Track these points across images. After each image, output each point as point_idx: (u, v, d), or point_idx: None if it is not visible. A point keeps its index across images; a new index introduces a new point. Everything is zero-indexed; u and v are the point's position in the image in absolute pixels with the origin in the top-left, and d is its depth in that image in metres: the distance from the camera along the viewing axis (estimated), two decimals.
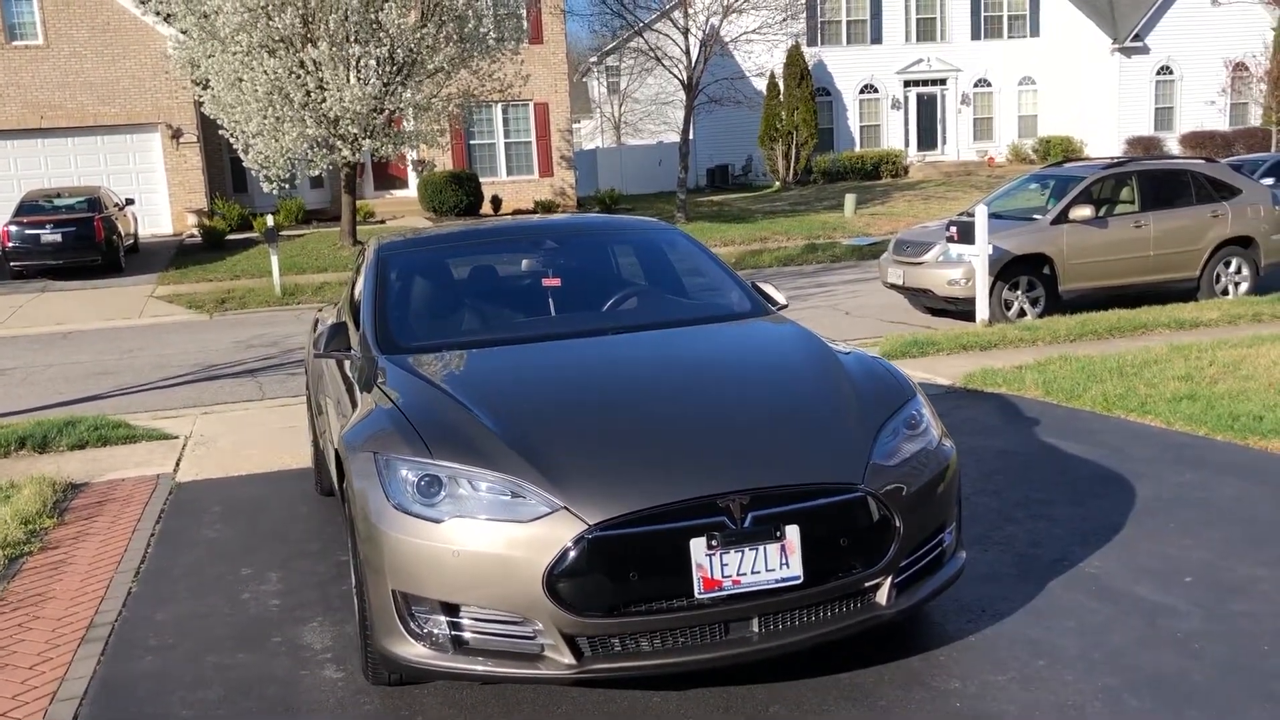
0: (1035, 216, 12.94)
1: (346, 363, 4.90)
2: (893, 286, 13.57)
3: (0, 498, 6.85)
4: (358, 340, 4.86)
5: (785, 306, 5.46)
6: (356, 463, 3.80)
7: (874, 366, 4.37)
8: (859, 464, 3.66)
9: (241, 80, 19.62)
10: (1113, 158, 15.61)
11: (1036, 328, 11.06)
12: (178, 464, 7.91)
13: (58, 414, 9.72)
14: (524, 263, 5.43)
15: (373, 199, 29.21)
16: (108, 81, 25.90)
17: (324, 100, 19.75)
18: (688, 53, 26.49)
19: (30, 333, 16.50)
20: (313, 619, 4.75)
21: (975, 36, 36.83)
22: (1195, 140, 34.32)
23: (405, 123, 22.16)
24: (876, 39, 36.11)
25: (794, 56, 33.88)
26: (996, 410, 7.91)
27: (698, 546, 3.38)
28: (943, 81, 37.08)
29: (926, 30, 36.51)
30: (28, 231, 20.46)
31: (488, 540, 3.43)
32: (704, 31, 26.43)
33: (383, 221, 26.92)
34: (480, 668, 3.49)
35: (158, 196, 26.79)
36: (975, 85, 37.29)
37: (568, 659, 3.41)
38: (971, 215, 12.23)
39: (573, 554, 3.35)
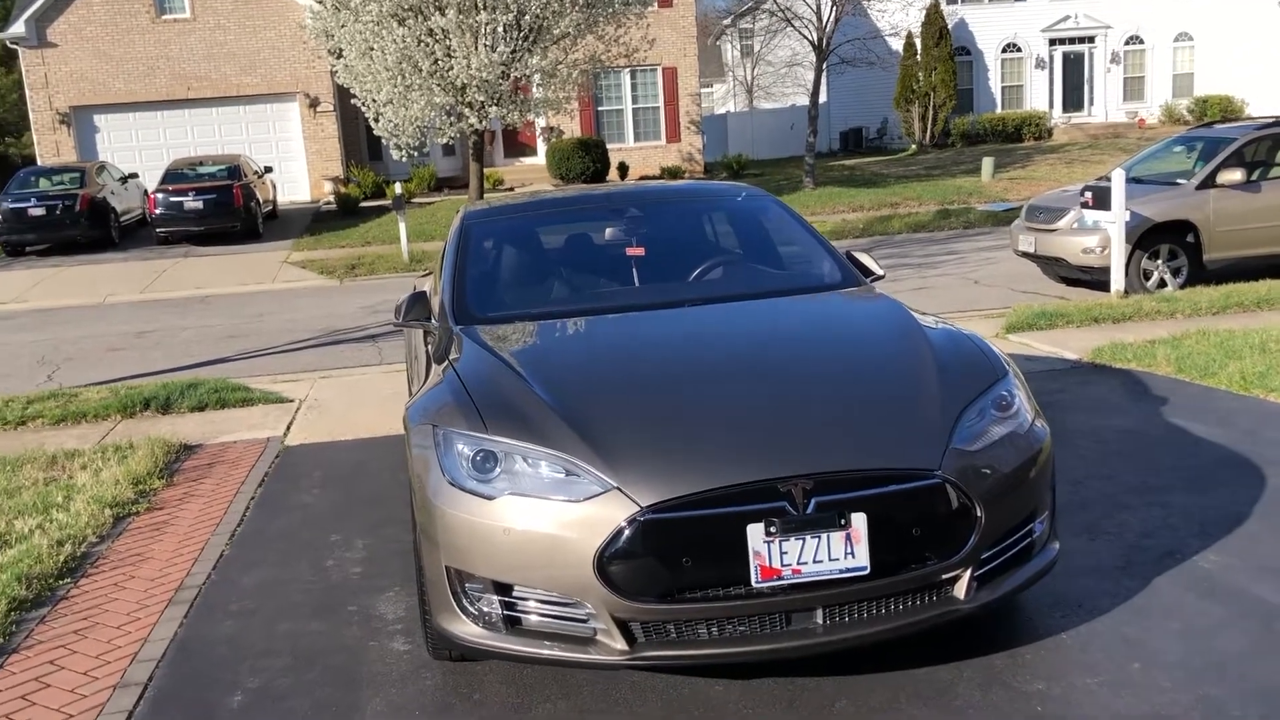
0: (1179, 181, 12.16)
1: (426, 333, 4.86)
2: (1024, 254, 12.97)
3: (117, 458, 7.08)
4: (437, 309, 4.80)
5: (881, 277, 5.19)
6: (416, 435, 3.74)
7: (963, 343, 4.09)
8: (936, 448, 3.42)
9: (372, 49, 19.92)
10: (1270, 117, 14.56)
11: (1176, 299, 10.42)
12: (288, 428, 8.07)
13: (184, 376, 10.05)
14: (607, 231, 5.29)
15: (502, 166, 29.48)
16: (249, 52, 26.71)
17: (451, 68, 19.90)
18: (818, 13, 25.83)
19: (171, 296, 17.17)
20: (390, 588, 4.74)
21: None
22: None
23: (533, 90, 22.21)
24: None
25: (932, 15, 32.77)
26: (1122, 387, 7.46)
27: (755, 533, 3.21)
28: (1090, 39, 35.35)
29: None
30: (172, 199, 21.28)
31: (539, 519, 3.32)
32: None
33: (511, 189, 27.13)
34: (532, 650, 3.39)
35: (295, 164, 27.58)
36: (1126, 43, 35.43)
37: (620, 644, 3.29)
38: (1109, 180, 11.57)
39: (625, 536, 3.22)
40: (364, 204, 25.19)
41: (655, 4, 27.58)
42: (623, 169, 28.50)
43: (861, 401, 3.66)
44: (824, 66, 26.21)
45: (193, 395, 9.02)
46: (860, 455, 3.38)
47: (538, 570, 3.32)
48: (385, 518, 5.73)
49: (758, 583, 3.22)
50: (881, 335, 4.18)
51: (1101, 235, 11.57)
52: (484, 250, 5.09)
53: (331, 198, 25.97)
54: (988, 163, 26.12)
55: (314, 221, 23.97)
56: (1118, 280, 11.30)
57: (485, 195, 23.01)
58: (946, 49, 33.07)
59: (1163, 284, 11.74)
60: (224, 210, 21.33)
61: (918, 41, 33.30)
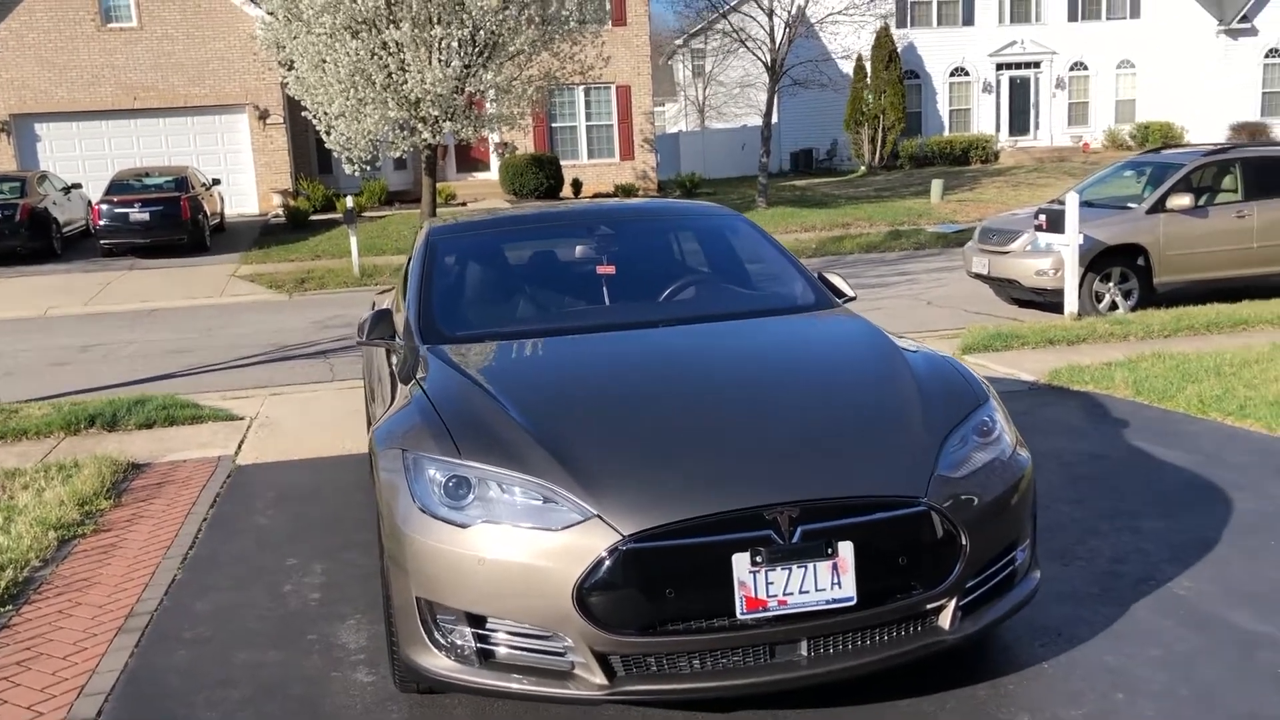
0: (1130, 205, 12.34)
1: (390, 352, 4.72)
2: (977, 276, 13.06)
3: (61, 477, 6.84)
4: (402, 327, 4.67)
5: (853, 299, 5.15)
6: (385, 459, 3.61)
7: (943, 367, 4.04)
8: (922, 475, 3.36)
9: (325, 61, 19.69)
10: (1215, 144, 14.84)
11: (1128, 322, 10.53)
12: (240, 446, 7.86)
13: (131, 392, 9.78)
14: (577, 249, 5.20)
15: (455, 181, 29.29)
16: (198, 63, 26.30)
17: (405, 82, 19.74)
18: (771, 34, 25.99)
19: (116, 310, 16.78)
20: (351, 615, 4.59)
21: (1072, 18, 35.61)
22: None
23: (487, 105, 22.08)
24: (968, 20, 35.11)
25: (882, 38, 33.14)
26: (1083, 410, 7.49)
27: (740, 562, 3.12)
28: (1037, 64, 35.94)
29: (1021, 11, 35.41)
30: (117, 210, 20.84)
31: (515, 548, 3.20)
32: (789, 13, 25.90)
33: (464, 204, 26.95)
34: (507, 684, 3.27)
35: (244, 177, 27.17)
36: (1071, 68, 36.06)
37: (599, 679, 3.18)
38: (1062, 203, 11.69)
39: (605, 566, 3.11)
40: (314, 217, 24.87)
41: (610, 22, 27.63)
42: (576, 185, 28.42)
43: (846, 427, 3.59)
44: (776, 88, 26.34)
45: (140, 412, 8.77)
46: (847, 482, 3.31)
47: (513, 601, 3.20)
48: (343, 541, 5.57)
49: (743, 614, 3.13)
50: (862, 358, 4.12)
51: (1055, 258, 11.69)
52: (450, 267, 4.97)
53: (280, 210, 25.61)
54: (937, 185, 26.39)
55: (263, 234, 23.61)
56: (1071, 302, 11.40)
57: (438, 210, 22.79)
58: (896, 72, 33.44)
59: (1114, 306, 11.87)
60: (170, 222, 20.92)
61: (868, 65, 33.64)
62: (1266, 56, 34.24)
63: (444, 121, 20.50)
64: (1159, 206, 11.96)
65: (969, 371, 4.04)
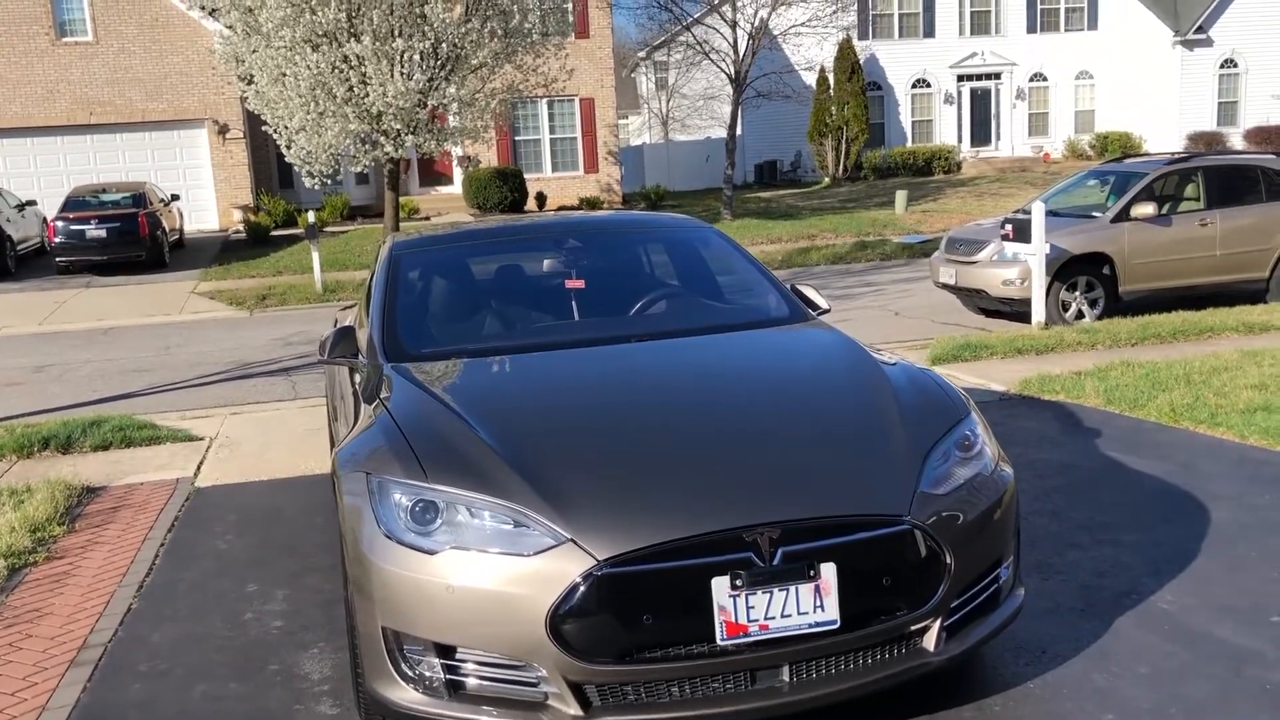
0: (1095, 214, 12.38)
1: (354, 370, 4.58)
2: (944, 286, 13.06)
3: (12, 503, 6.62)
4: (365, 344, 4.53)
5: (827, 311, 5.06)
6: (348, 482, 3.47)
7: (923, 380, 3.95)
8: (905, 493, 3.26)
9: (284, 75, 19.47)
10: (1176, 153, 14.97)
11: (1095, 331, 10.54)
12: (199, 468, 7.67)
13: (87, 413, 9.54)
14: (546, 263, 5.07)
15: (418, 195, 29.07)
16: (155, 78, 25.95)
17: (367, 95, 19.55)
18: (735, 46, 26.02)
19: (72, 328, 16.45)
20: (314, 644, 4.43)
21: (1031, 29, 35.93)
22: (1261, 135, 33.23)
23: (450, 118, 21.92)
24: (929, 32, 35.36)
25: (844, 50, 33.28)
26: (1055, 420, 7.45)
27: (720, 586, 3.00)
28: (997, 76, 36.24)
29: (981, 23, 35.69)
30: (73, 227, 20.48)
31: (486, 575, 3.07)
32: (752, 25, 25.94)
33: (427, 218, 26.74)
34: (477, 717, 3.12)
35: (204, 192, 26.82)
36: (1031, 79, 36.38)
37: (574, 709, 3.04)
38: (1028, 212, 11.71)
39: (579, 593, 2.98)
40: (275, 233, 24.58)
41: (573, 35, 27.56)
42: (540, 199, 28.30)
43: (826, 444, 3.48)
44: (740, 99, 26.36)
45: (96, 433, 8.54)
46: (828, 501, 3.20)
47: (484, 630, 3.06)
48: (305, 566, 5.40)
49: (723, 640, 3.02)
50: (840, 372, 4.02)
51: (1021, 267, 11.70)
52: (415, 283, 4.83)
53: (241, 226, 25.30)
54: (901, 196, 26.49)
55: (223, 250, 23.29)
56: (1039, 311, 11.41)
57: (401, 225, 22.58)
58: (859, 84, 33.59)
59: (1080, 315, 11.90)
60: (128, 239, 20.58)
61: (830, 76, 33.77)
62: (1221, 67, 34.71)
63: (406, 135, 20.32)
64: (1123, 215, 12.02)
65: (949, 384, 3.96)
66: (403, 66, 20.01)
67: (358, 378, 4.45)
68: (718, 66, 27.10)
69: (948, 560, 3.23)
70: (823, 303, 5.08)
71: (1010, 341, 10.27)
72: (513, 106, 25.56)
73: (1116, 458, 6.37)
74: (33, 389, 11.73)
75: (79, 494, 6.97)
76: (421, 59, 20.21)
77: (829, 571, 3.06)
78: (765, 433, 3.52)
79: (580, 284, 4.89)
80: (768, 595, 3.02)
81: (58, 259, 20.80)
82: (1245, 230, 12.22)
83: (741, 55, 26.04)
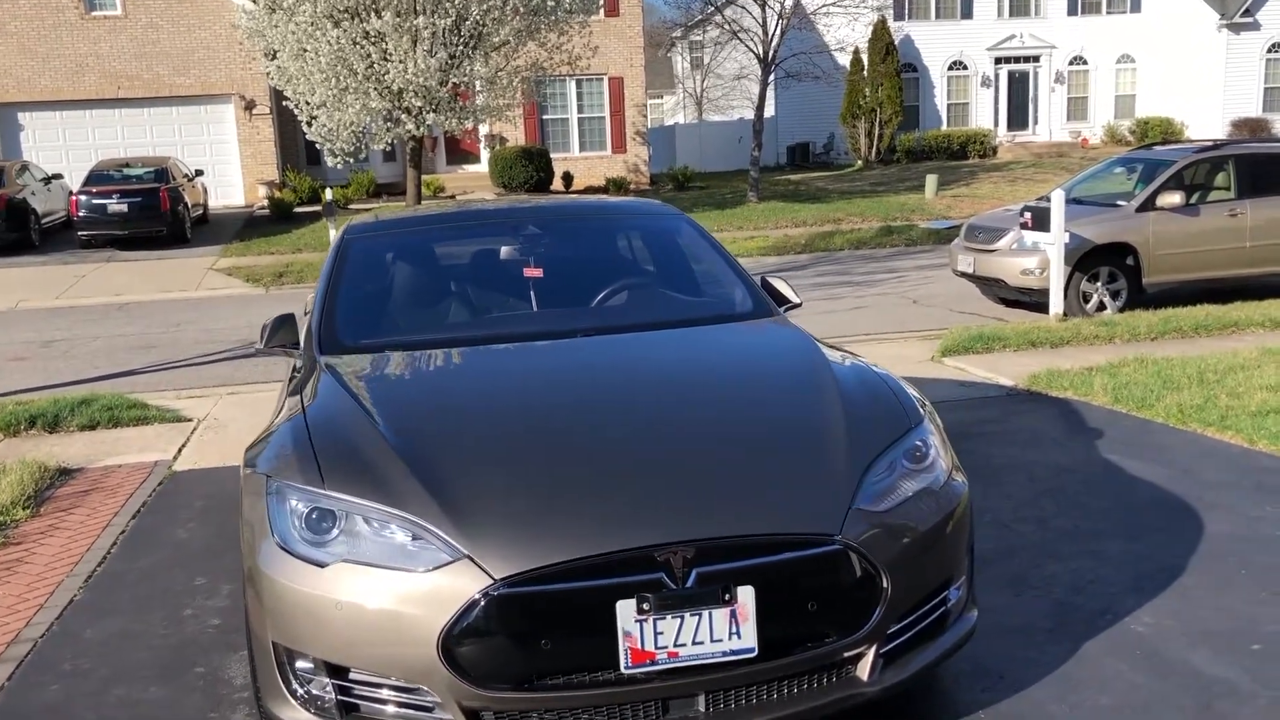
0: (1119, 203, 11.97)
1: (295, 361, 4.38)
2: (963, 274, 12.71)
3: None
4: (304, 334, 4.33)
5: (797, 305, 4.81)
6: (250, 484, 3.28)
7: (875, 385, 3.68)
8: (838, 509, 3.01)
9: (305, 51, 19.36)
10: (1209, 140, 14.48)
11: (1114, 324, 10.18)
12: (180, 450, 7.55)
13: (82, 391, 9.47)
14: (502, 251, 4.84)
15: (444, 174, 28.93)
16: (183, 52, 25.94)
17: (388, 72, 19.39)
18: (764, 26, 25.59)
19: (87, 303, 16.46)
20: (245, 646, 4.25)
21: (1072, 12, 35.13)
22: None
23: (474, 96, 21.72)
24: (967, 13, 34.64)
25: (879, 31, 32.70)
26: (1058, 418, 7.15)
27: (625, 610, 2.78)
28: (1036, 59, 35.48)
29: (1020, 5, 34.92)
30: (95, 201, 20.50)
31: (376, 591, 2.86)
32: (781, 3, 25.49)
33: (452, 196, 26.58)
34: None
35: (230, 168, 26.83)
36: (1070, 63, 35.59)
37: None
38: (1049, 200, 11.34)
39: (474, 613, 2.77)
40: (299, 209, 24.53)
41: (601, 13, 27.26)
42: (567, 179, 28.06)
43: (756, 455, 3.23)
44: (769, 80, 25.96)
45: (84, 412, 8.45)
46: (750, 518, 2.96)
47: (375, 650, 2.86)
48: None
49: (628, 668, 2.80)
50: (785, 376, 3.76)
51: (1041, 257, 11.35)
52: (363, 269, 4.61)
53: (266, 203, 25.28)
54: (931, 180, 26.01)
55: (246, 227, 23.27)
56: (1056, 303, 11.07)
57: (424, 203, 22.46)
58: (893, 65, 33.01)
59: (1102, 307, 11.52)
60: (149, 214, 20.58)
61: (864, 57, 33.21)
62: (1269, 51, 33.78)
63: (427, 112, 20.15)
64: (1149, 204, 11.61)
65: (904, 389, 3.68)
66: (424, 43, 19.84)
67: (295, 370, 4.25)
68: (746, 46, 26.67)
69: (884, 584, 2.99)
70: (794, 297, 4.83)
71: (1025, 334, 9.95)
72: (539, 85, 25.33)
73: (1115, 461, 6.08)
74: (37, 364, 11.69)
75: (52, 476, 6.86)
76: (444, 35, 20.02)
77: (746, 595, 2.83)
78: (693, 442, 3.28)
79: (538, 273, 4.66)
80: (678, 620, 2.80)
81: (80, 233, 20.86)
82: (1277, 221, 11.77)
83: (770, 34, 25.61)
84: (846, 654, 3.00)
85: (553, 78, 25.54)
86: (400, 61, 19.16)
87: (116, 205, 20.49)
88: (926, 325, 11.51)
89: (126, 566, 5.28)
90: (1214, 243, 11.67)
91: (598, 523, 2.88)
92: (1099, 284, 11.56)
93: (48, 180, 22.66)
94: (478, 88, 21.04)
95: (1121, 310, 11.35)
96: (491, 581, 2.77)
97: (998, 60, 35.33)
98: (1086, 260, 11.44)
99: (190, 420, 8.44)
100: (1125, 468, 5.94)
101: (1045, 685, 3.57)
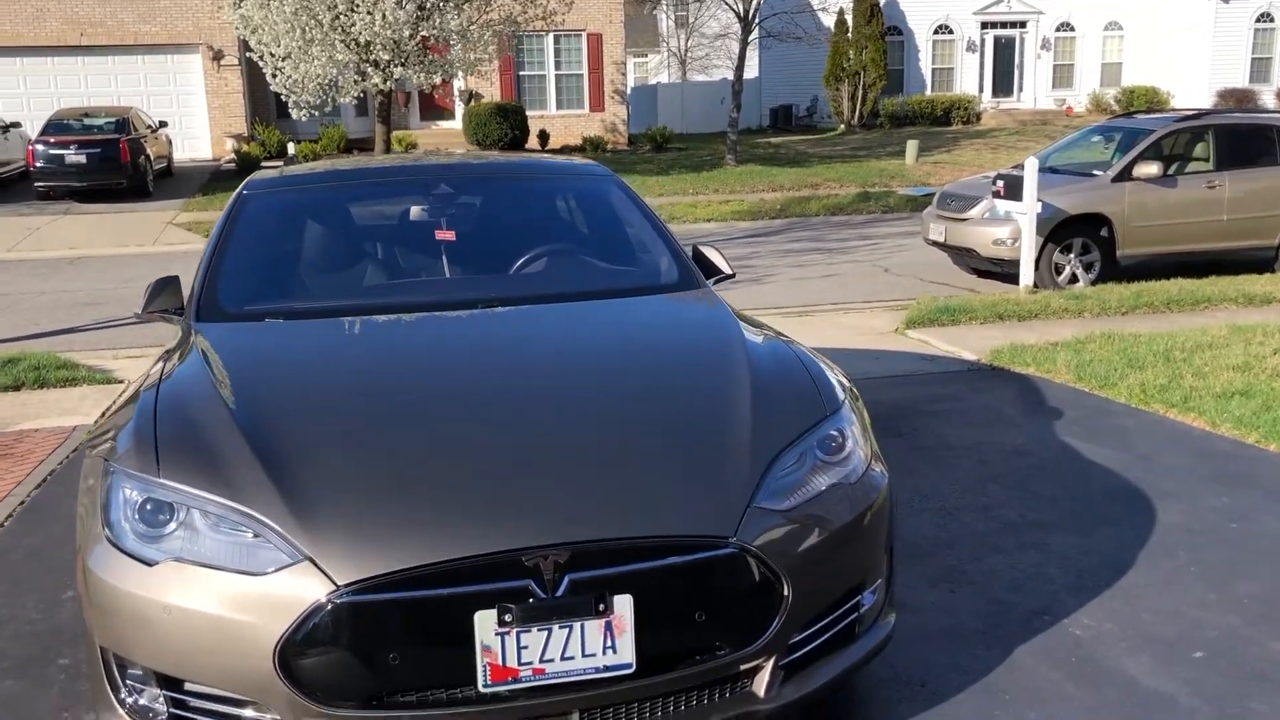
0: (1095, 173, 11.65)
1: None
2: (934, 244, 12.39)
3: None
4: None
5: (729, 277, 4.49)
6: (86, 467, 2.95)
7: (792, 368, 3.34)
8: (734, 508, 2.70)
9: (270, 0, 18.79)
10: (1189, 109, 14.15)
11: (1084, 297, 9.91)
12: (103, 414, 7.19)
13: (13, 349, 9.10)
14: (412, 212, 4.47)
15: (418, 130, 28.35)
16: None
17: (354, 24, 18.85)
18: None
19: (38, 257, 15.99)
20: None
21: None
22: None
23: (450, 50, 21.17)
24: None
25: None
26: (1017, 396, 6.87)
27: (484, 622, 2.47)
28: (1022, 24, 34.97)
29: None
30: (52, 151, 19.93)
31: (208, 595, 2.54)
32: None
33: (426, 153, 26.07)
34: None
35: (197, 120, 26.20)
36: (1057, 29, 35.08)
37: None
38: (1023, 168, 11.01)
39: (313, 623, 2.46)
40: (267, 164, 23.97)
41: None
42: (543, 137, 27.54)
43: (646, 447, 2.90)
44: (749, 40, 25.43)
45: (9, 372, 8.10)
46: (633, 519, 2.64)
47: (208, 661, 2.54)
48: None
49: (486, 685, 2.49)
50: (693, 359, 3.44)
51: (1013, 226, 11.03)
52: (257, 229, 4.24)
53: (233, 156, 24.71)
54: (912, 146, 25.63)
55: (211, 180, 22.73)
56: (1027, 275, 10.77)
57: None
58: (878, 28, 32.49)
59: (1074, 279, 11.24)
60: (108, 165, 20.01)
61: (849, 18, 32.66)
62: (1258, 21, 33.38)
63: (395, 66, 19.63)
64: (1125, 174, 11.29)
65: (823, 372, 3.35)
66: None
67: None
68: (725, 2, 26.12)
69: (785, 591, 2.69)
70: (726, 267, 4.50)
71: (993, 305, 9.68)
72: (516, 40, 24.76)
73: (1072, 444, 5.80)
74: None
75: None
76: None
77: (624, 605, 2.53)
78: (578, 433, 2.95)
79: (450, 236, 4.31)
80: (545, 633, 2.50)
81: (37, 184, 20.29)
82: (1256, 194, 11.49)
83: None
84: (743, 667, 2.71)
85: (528, 33, 24.97)
86: (368, 13, 18.62)
87: (75, 156, 19.92)
88: (895, 295, 11.22)
89: (16, 542, 4.96)
90: (1191, 215, 11.38)
91: (458, 524, 2.56)
92: (1072, 255, 11.27)
93: (5, 129, 22.04)
94: (451, 41, 20.51)
95: (1094, 283, 11.07)
96: (334, 588, 2.46)
97: (984, 25, 34.82)
98: (1060, 231, 11.14)
99: (121, 382, 8.09)
100: (1081, 451, 5.66)
101: (968, 696, 3.29)
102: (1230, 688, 3.29)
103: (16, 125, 22.66)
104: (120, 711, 2.68)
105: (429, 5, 19.67)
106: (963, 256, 12.23)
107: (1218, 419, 6.05)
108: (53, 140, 20.13)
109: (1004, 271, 11.48)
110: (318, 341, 3.56)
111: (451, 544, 2.51)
